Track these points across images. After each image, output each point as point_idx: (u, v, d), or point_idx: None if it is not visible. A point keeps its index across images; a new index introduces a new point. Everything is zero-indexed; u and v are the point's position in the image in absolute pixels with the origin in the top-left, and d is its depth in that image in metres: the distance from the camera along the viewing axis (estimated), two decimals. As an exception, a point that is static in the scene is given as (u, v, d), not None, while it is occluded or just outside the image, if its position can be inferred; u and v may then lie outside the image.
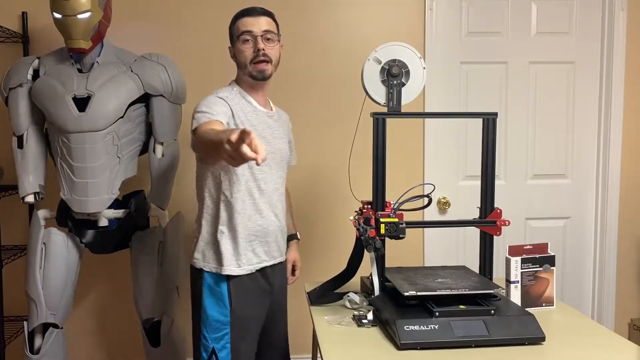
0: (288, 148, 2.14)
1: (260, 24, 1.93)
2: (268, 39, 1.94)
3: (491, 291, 1.78)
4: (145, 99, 2.47)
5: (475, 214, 2.05)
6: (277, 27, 2.00)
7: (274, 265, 2.05)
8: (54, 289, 2.41)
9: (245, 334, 1.97)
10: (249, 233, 1.95)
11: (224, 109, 1.88)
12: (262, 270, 2.00)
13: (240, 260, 1.94)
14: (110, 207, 2.44)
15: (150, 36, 2.85)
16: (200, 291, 1.96)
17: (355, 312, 1.88)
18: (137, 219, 2.51)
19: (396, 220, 1.86)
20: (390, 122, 1.96)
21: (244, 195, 1.93)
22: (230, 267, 1.93)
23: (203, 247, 1.97)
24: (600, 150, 3.16)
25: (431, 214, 3.00)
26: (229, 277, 1.93)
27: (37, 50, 2.74)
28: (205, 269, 1.96)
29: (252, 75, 1.95)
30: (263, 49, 1.92)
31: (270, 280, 2.04)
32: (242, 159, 1.29)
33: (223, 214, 1.94)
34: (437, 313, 1.64)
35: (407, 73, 1.97)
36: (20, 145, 2.45)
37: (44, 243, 2.43)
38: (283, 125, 2.12)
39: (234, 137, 1.27)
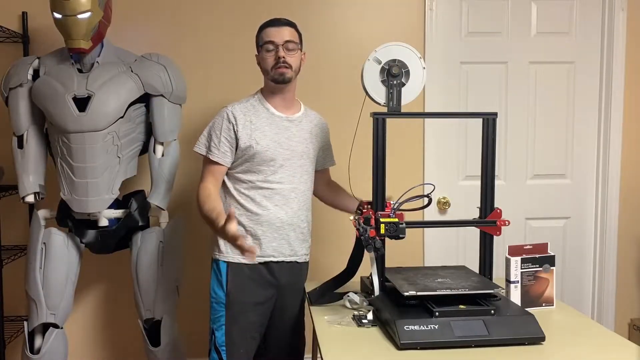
0: (313, 150, 2.22)
1: (282, 34, 2.09)
2: (289, 49, 2.09)
3: (491, 291, 1.78)
4: (145, 99, 2.47)
5: (475, 214, 2.05)
6: (299, 37, 2.15)
7: (281, 262, 2.15)
8: (54, 289, 2.41)
9: (239, 318, 2.10)
10: (254, 227, 2.10)
11: (226, 134, 2.08)
12: (265, 264, 2.12)
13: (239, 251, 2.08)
14: (110, 207, 2.44)
15: (150, 36, 2.85)
16: (210, 276, 2.17)
17: (355, 312, 1.88)
18: (137, 219, 2.51)
19: (396, 220, 1.86)
20: (390, 122, 1.95)
21: (251, 192, 2.10)
22: (229, 255, 2.11)
23: (213, 236, 2.15)
24: (600, 150, 3.16)
25: (431, 214, 3.00)
26: (229, 263, 2.11)
27: (37, 50, 2.74)
28: (213, 257, 2.16)
29: (273, 79, 2.10)
30: (283, 57, 2.07)
31: (275, 275, 2.14)
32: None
33: (230, 209, 2.07)
34: (437, 313, 1.64)
35: (407, 73, 1.97)
36: (20, 145, 2.45)
37: (44, 243, 2.43)
38: (312, 128, 2.23)
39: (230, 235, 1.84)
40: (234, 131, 2.08)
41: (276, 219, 2.10)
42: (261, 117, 2.11)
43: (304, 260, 2.23)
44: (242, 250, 1.86)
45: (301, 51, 2.16)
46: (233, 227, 1.81)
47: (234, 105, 2.13)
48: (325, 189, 2.37)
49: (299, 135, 2.16)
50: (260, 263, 2.10)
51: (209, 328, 2.14)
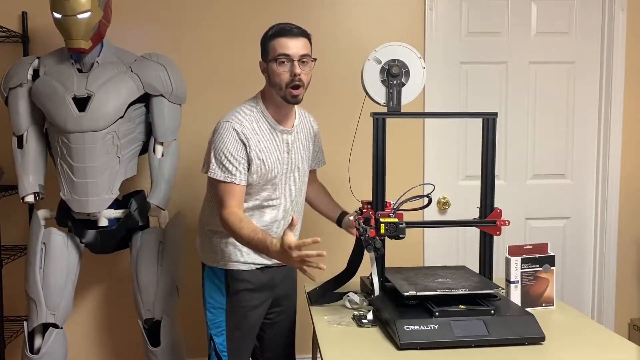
0: (307, 158, 2.16)
1: (298, 48, 1.92)
2: (304, 62, 1.93)
3: (491, 291, 1.78)
4: (145, 99, 2.47)
5: (475, 214, 2.05)
6: (311, 48, 1.99)
7: (279, 267, 2.11)
8: (54, 289, 2.41)
9: (241, 323, 2.07)
10: None
11: (241, 154, 1.93)
12: (262, 269, 2.08)
13: (237, 257, 2.05)
14: (110, 207, 2.44)
15: (150, 36, 2.85)
16: (203, 281, 2.11)
17: (355, 312, 1.88)
18: (137, 219, 2.51)
19: (396, 220, 1.86)
20: (390, 122, 1.95)
21: (253, 211, 2.03)
22: (226, 262, 2.06)
23: (205, 244, 2.11)
24: (600, 150, 3.16)
25: (431, 214, 3.00)
26: (227, 270, 2.06)
27: (37, 50, 2.74)
28: (207, 263, 2.10)
29: (285, 99, 1.96)
30: (299, 75, 1.92)
31: (272, 277, 2.11)
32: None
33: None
34: (437, 313, 1.64)
35: (407, 73, 1.97)
36: (20, 145, 2.45)
37: (44, 243, 2.43)
38: (307, 134, 2.15)
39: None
40: (247, 152, 1.94)
41: (274, 233, 2.03)
42: (265, 135, 1.99)
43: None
44: (307, 267, 1.73)
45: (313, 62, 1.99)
46: (293, 243, 1.70)
47: (241, 122, 1.95)
48: (310, 190, 2.27)
49: (296, 146, 2.08)
50: (257, 268, 2.07)
51: (207, 333, 2.10)
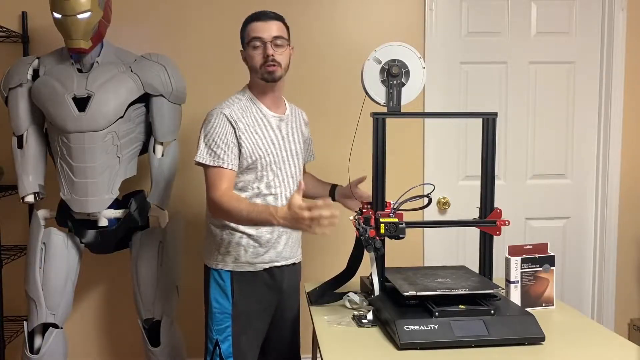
0: (302, 147, 2.18)
1: (270, 30, 1.98)
2: (278, 45, 1.99)
3: (491, 291, 1.78)
4: (145, 99, 2.47)
5: (475, 214, 2.05)
6: (287, 32, 2.05)
7: (282, 266, 2.11)
8: (54, 289, 2.42)
9: (247, 327, 2.05)
10: (261, 236, 2.03)
11: (231, 138, 1.95)
12: (268, 269, 2.07)
13: (244, 258, 2.04)
14: (110, 207, 2.44)
15: (150, 36, 2.85)
16: (207, 285, 2.08)
17: (355, 312, 1.88)
18: (137, 219, 2.51)
19: (396, 220, 1.85)
20: (390, 122, 1.95)
21: (253, 198, 2.00)
22: (233, 264, 2.04)
23: (211, 245, 2.08)
24: (600, 150, 3.16)
25: (431, 214, 3.00)
26: (232, 272, 2.04)
27: (37, 50, 2.74)
28: (213, 266, 2.06)
29: (263, 78, 2.00)
30: (272, 55, 1.96)
31: (277, 279, 2.11)
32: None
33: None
34: (437, 313, 1.64)
35: (407, 73, 1.97)
36: (20, 145, 2.45)
37: (43, 243, 2.43)
38: (299, 125, 2.18)
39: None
40: (236, 135, 1.96)
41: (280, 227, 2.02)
42: (257, 119, 2.01)
43: (299, 261, 2.21)
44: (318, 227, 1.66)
45: (290, 46, 2.05)
46: (299, 201, 1.68)
47: (229, 107, 1.99)
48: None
49: (291, 135, 2.10)
50: (264, 269, 2.06)
51: (207, 337, 2.06)
